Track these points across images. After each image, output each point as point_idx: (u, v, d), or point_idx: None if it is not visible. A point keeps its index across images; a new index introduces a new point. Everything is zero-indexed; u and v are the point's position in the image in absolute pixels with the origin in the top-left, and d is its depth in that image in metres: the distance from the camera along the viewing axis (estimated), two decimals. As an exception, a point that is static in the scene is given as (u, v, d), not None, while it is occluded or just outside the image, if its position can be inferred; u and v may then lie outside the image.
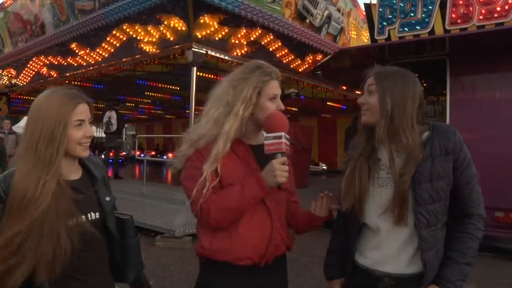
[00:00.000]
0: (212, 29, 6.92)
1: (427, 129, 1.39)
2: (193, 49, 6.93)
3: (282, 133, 1.35)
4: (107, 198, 1.41)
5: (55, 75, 11.10)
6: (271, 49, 8.07)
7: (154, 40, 7.58)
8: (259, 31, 7.41)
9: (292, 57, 8.68)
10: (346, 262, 1.50)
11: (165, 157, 13.91)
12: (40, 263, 1.16)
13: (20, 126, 25.28)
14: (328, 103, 13.23)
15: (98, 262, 1.38)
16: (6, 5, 11.19)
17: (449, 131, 1.37)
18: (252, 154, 1.47)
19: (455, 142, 1.34)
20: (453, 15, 5.52)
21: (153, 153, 16.39)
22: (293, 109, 14.44)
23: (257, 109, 1.46)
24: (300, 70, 9.20)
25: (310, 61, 9.05)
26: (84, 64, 9.58)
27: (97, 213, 1.36)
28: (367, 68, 1.48)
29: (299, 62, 8.99)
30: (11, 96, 14.39)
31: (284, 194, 1.53)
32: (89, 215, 1.33)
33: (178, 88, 11.56)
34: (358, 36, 10.57)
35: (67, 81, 10.41)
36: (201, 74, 8.43)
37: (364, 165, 1.42)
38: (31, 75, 11.84)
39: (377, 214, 1.38)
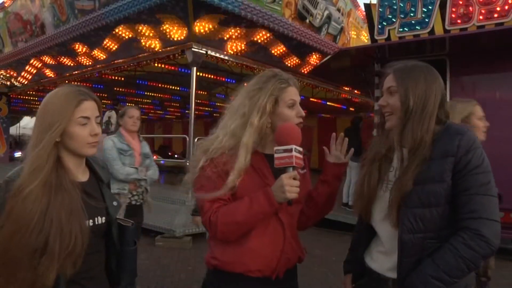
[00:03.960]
0: (212, 29, 6.92)
1: (440, 130, 1.27)
2: (193, 49, 6.93)
3: (293, 146, 1.27)
4: (114, 203, 1.39)
5: (55, 75, 11.11)
6: (271, 49, 8.07)
7: (154, 40, 7.58)
8: (259, 31, 7.41)
9: (292, 57, 8.68)
10: (356, 261, 1.49)
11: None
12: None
13: (20, 126, 25.27)
14: (328, 103, 13.23)
15: (98, 268, 1.36)
16: (6, 5, 11.19)
17: (456, 133, 1.22)
18: (268, 165, 1.41)
19: (459, 145, 1.19)
20: (453, 15, 5.52)
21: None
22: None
23: (275, 117, 1.42)
24: (300, 70, 9.20)
25: (310, 61, 9.05)
26: (84, 64, 9.59)
27: (103, 218, 1.34)
28: (384, 66, 1.38)
29: (299, 62, 8.99)
30: (11, 96, 14.41)
31: (298, 206, 1.48)
32: (96, 219, 1.31)
33: (178, 88, 11.57)
34: (358, 36, 10.58)
35: (67, 81, 10.42)
36: (201, 74, 8.44)
37: (375, 169, 1.36)
38: (31, 75, 11.85)
39: (380, 218, 1.34)
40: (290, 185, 1.26)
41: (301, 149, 1.32)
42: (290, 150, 1.27)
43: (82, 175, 1.35)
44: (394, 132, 1.31)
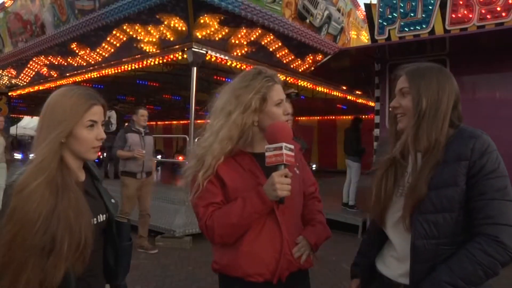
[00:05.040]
0: (212, 29, 6.92)
1: (454, 133, 1.24)
2: (193, 49, 6.93)
3: (283, 144, 1.28)
4: (112, 201, 1.41)
5: (55, 75, 11.11)
6: (271, 49, 8.07)
7: (154, 40, 7.58)
8: (259, 31, 7.41)
9: (292, 57, 8.68)
10: (366, 265, 1.46)
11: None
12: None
13: (21, 126, 25.28)
14: (328, 103, 13.21)
15: (100, 265, 1.38)
16: (6, 5, 11.20)
17: (470, 136, 1.19)
18: (258, 164, 1.40)
19: (473, 149, 1.16)
20: (453, 15, 5.52)
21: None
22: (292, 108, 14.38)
23: (263, 116, 1.41)
24: (300, 70, 9.20)
25: (310, 61, 9.05)
26: (84, 64, 9.59)
27: (104, 216, 1.36)
28: (397, 68, 1.37)
29: (299, 62, 8.98)
30: (11, 96, 14.41)
31: (298, 201, 1.46)
32: (98, 217, 1.33)
33: (178, 88, 11.56)
34: (358, 36, 10.58)
35: (66, 81, 10.41)
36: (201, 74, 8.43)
37: (390, 173, 1.33)
38: (31, 75, 11.85)
39: (393, 224, 1.31)
40: (281, 183, 1.26)
41: (292, 146, 1.31)
42: (280, 148, 1.27)
43: (81, 176, 1.36)
44: (408, 136, 1.27)
